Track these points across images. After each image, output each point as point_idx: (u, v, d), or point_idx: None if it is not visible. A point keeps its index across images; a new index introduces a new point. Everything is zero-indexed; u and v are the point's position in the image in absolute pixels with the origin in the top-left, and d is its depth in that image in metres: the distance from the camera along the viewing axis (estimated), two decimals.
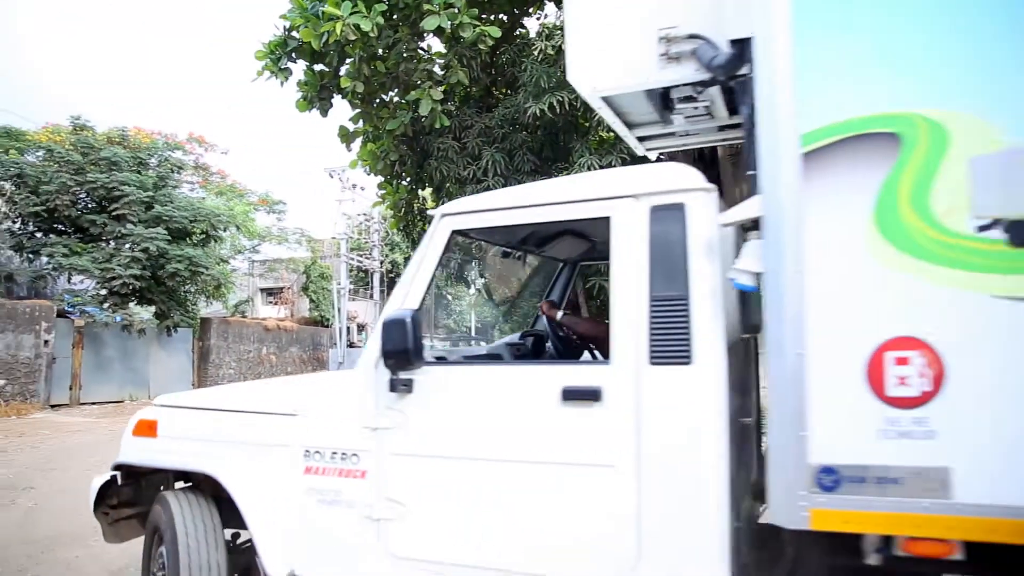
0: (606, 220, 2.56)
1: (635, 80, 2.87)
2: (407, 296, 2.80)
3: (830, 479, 2.06)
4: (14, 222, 17.33)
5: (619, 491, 2.39)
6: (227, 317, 23.26)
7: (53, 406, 16.07)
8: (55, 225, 17.40)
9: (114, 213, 17.08)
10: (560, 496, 2.49)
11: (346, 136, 9.26)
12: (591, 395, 2.45)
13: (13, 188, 16.76)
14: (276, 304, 29.55)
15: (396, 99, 8.88)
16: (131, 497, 3.62)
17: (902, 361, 2.00)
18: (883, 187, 2.03)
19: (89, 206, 17.49)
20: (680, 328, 2.36)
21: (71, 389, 16.97)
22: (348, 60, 8.07)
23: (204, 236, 19.51)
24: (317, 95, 8.49)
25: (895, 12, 2.06)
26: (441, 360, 3.02)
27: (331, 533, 2.87)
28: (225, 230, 20.41)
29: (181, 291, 19.15)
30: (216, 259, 19.55)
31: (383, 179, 9.92)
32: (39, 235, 17.39)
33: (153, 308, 18.51)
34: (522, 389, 2.64)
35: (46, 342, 15.92)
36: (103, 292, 17.20)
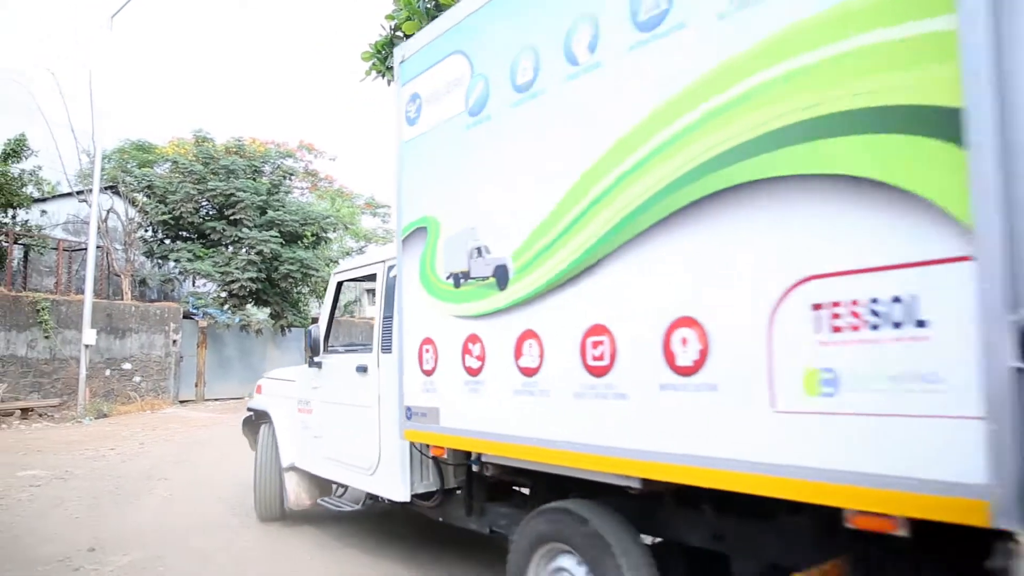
0: (375, 275, 4.60)
1: None
2: (320, 319, 5.24)
3: (409, 413, 3.74)
4: (146, 230, 18.63)
5: (373, 422, 4.37)
6: (337, 317, 24.05)
7: (181, 402, 17.15)
8: (180, 232, 18.56)
9: (231, 218, 18.02)
10: (358, 424, 4.53)
11: None
12: (364, 369, 4.54)
13: (145, 199, 18.01)
14: None
15: None
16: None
17: (426, 351, 3.62)
18: (422, 256, 3.66)
19: (210, 213, 18.55)
20: (390, 333, 4.19)
21: (196, 386, 18.06)
22: None
23: (314, 239, 20.27)
24: None
25: (418, 166, 3.78)
26: (330, 351, 5.14)
27: (304, 444, 5.28)
28: (334, 231, 21.13)
29: (294, 292, 19.96)
30: (325, 261, 20.26)
31: None
32: (167, 241, 18.61)
33: (268, 309, 19.39)
34: (346, 366, 4.78)
35: (174, 342, 17.00)
36: (223, 294, 18.18)
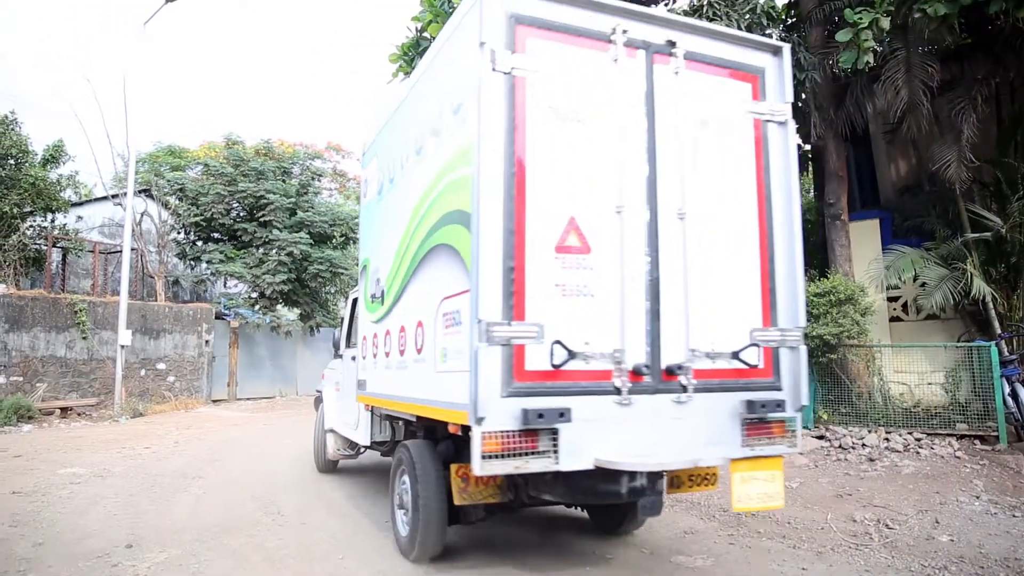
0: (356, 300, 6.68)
1: None
2: (342, 327, 7.59)
3: (359, 384, 5.93)
4: (178, 232, 18.96)
5: (356, 393, 6.11)
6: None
7: (214, 401, 17.40)
8: (212, 234, 18.85)
9: (261, 220, 18.24)
10: (351, 395, 6.41)
11: None
12: (354, 358, 6.35)
13: (177, 202, 18.33)
14: None
15: None
16: None
17: (364, 344, 5.80)
18: (364, 284, 5.93)
19: (240, 214, 18.80)
20: (351, 337, 6.98)
21: (229, 386, 18.32)
22: None
23: (343, 239, 20.45)
24: None
25: (365, 224, 6.25)
26: (349, 347, 6.97)
27: (337, 412, 7.40)
28: None
29: (323, 293, 20.15)
30: (354, 261, 20.43)
31: None
32: (199, 243, 18.91)
33: (298, 310, 19.59)
34: (350, 357, 6.73)
35: (207, 342, 17.26)
36: (254, 295, 18.41)
